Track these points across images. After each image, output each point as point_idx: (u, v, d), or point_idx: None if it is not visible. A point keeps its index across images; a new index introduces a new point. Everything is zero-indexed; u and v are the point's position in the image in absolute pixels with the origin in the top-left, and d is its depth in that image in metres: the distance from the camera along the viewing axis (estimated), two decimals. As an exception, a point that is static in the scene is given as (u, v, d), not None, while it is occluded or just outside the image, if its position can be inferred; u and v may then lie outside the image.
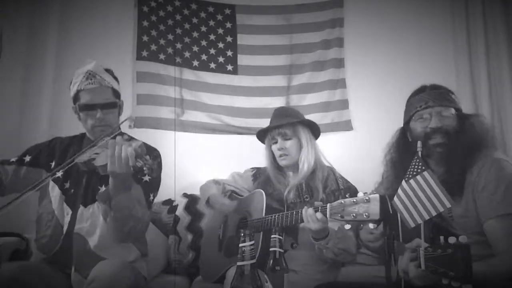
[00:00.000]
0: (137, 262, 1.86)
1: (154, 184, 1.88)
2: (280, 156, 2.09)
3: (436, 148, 1.62)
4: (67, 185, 1.88)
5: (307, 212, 1.68)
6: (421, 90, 1.72)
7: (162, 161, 2.00)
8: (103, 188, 1.80)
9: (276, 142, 2.11)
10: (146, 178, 1.84)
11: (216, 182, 2.22)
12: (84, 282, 1.63)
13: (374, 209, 1.45)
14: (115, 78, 1.95)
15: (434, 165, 1.65)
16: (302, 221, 1.71)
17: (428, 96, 1.67)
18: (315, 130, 2.16)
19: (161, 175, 1.96)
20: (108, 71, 1.93)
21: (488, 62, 3.10)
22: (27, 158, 1.94)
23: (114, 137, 1.68)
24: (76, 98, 1.87)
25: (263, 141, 2.22)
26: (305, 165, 2.05)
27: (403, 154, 1.68)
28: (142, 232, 1.88)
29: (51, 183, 1.87)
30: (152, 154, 1.70)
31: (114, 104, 1.89)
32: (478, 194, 1.53)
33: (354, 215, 1.49)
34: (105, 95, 1.87)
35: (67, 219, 1.83)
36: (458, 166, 1.58)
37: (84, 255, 1.76)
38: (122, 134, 1.86)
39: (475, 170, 1.56)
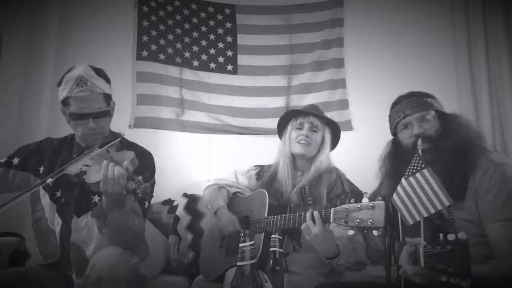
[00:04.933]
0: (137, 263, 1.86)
1: (148, 193, 1.87)
2: (300, 141, 2.02)
3: (423, 154, 1.62)
4: (58, 194, 1.85)
5: (306, 221, 1.66)
6: (397, 101, 1.75)
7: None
8: (96, 198, 1.78)
9: (301, 128, 2.06)
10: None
11: (220, 187, 2.19)
12: (87, 285, 1.63)
13: (379, 216, 1.43)
14: (106, 79, 1.85)
15: None
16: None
17: (404, 106, 1.69)
18: (336, 139, 2.15)
19: (158, 178, 1.95)
20: (98, 71, 1.81)
21: (488, 62, 3.10)
22: (15, 161, 1.90)
23: (105, 149, 1.68)
24: (65, 103, 1.79)
25: (284, 127, 2.14)
26: (314, 167, 2.03)
27: (397, 164, 1.68)
28: (139, 240, 1.88)
29: (42, 191, 1.85)
30: (144, 174, 1.67)
31: (106, 113, 1.81)
32: (481, 198, 1.53)
33: (358, 221, 1.47)
34: (97, 104, 1.77)
35: (57, 229, 1.82)
36: (450, 169, 1.57)
37: (83, 263, 1.75)
38: (113, 145, 1.81)
39: (477, 175, 1.56)
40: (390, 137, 1.83)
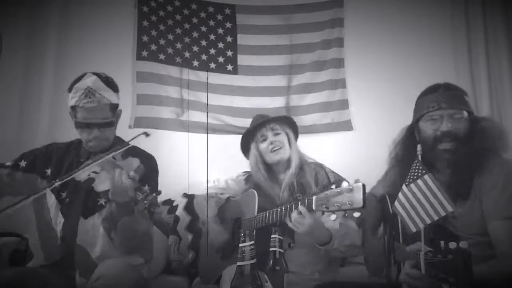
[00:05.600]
0: (140, 265, 1.87)
1: (154, 203, 1.88)
2: (273, 150, 2.06)
3: (444, 153, 1.60)
4: (64, 195, 1.88)
5: (293, 216, 1.68)
6: (434, 89, 1.66)
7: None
8: (102, 200, 1.81)
9: (265, 140, 2.09)
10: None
11: (209, 196, 2.20)
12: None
13: (357, 197, 1.45)
14: (115, 88, 1.89)
15: (441, 167, 1.64)
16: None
17: (441, 98, 1.62)
18: (296, 130, 2.17)
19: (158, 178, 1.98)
20: (107, 81, 1.85)
21: (488, 62, 3.10)
22: (23, 163, 1.92)
23: (112, 156, 1.72)
24: (73, 109, 1.83)
25: (247, 148, 2.18)
26: (294, 161, 2.06)
27: (409, 152, 1.64)
28: (146, 241, 1.89)
29: (48, 192, 1.85)
30: (150, 182, 1.73)
31: (111, 123, 1.87)
32: (485, 194, 1.52)
33: (338, 204, 1.49)
34: (103, 114, 1.82)
35: (59, 227, 1.84)
36: (466, 172, 1.56)
37: (87, 264, 1.77)
38: (118, 152, 1.81)
39: (483, 172, 1.55)
40: (390, 136, 1.82)
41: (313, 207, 1.61)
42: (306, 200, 1.66)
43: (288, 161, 2.08)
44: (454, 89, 1.67)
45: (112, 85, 1.88)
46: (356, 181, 1.49)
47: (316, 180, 2.02)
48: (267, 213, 1.84)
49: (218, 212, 2.13)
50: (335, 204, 1.50)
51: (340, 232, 1.78)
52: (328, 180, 2.02)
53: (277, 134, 2.09)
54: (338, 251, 1.79)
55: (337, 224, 1.79)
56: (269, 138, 2.08)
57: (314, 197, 1.61)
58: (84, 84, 1.81)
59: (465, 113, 1.63)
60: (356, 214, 1.48)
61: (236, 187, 2.25)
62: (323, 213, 1.74)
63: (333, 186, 1.55)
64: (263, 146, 2.09)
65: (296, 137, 2.18)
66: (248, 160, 2.19)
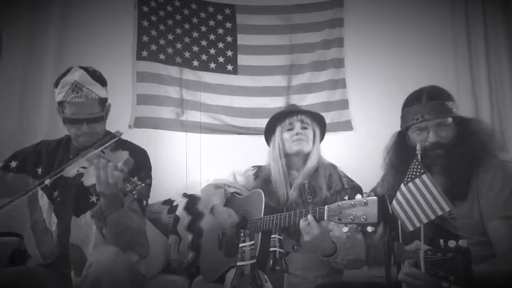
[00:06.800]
0: (135, 262, 1.86)
1: (144, 194, 1.87)
2: (296, 140, 2.02)
3: (437, 159, 1.60)
4: (55, 194, 1.86)
5: (301, 225, 1.66)
6: (417, 97, 1.67)
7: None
8: (93, 197, 1.79)
9: (291, 129, 2.05)
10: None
11: (217, 186, 2.19)
12: (85, 285, 1.63)
13: (372, 212, 1.41)
14: (102, 82, 1.83)
15: (437, 173, 1.64)
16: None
17: (423, 109, 1.62)
18: (324, 130, 2.16)
19: (154, 178, 1.95)
20: (94, 75, 1.81)
21: (488, 63, 3.10)
22: (13, 164, 1.91)
23: (101, 151, 1.69)
24: (60, 105, 1.80)
25: (272, 131, 2.13)
26: (310, 162, 2.04)
27: (403, 156, 1.65)
28: (141, 239, 1.88)
29: (40, 192, 1.85)
30: (140, 174, 1.67)
31: (100, 118, 1.82)
32: (483, 195, 1.53)
33: (352, 217, 1.45)
34: (91, 109, 1.77)
35: (54, 228, 1.82)
36: (461, 174, 1.57)
37: (82, 263, 1.74)
38: (108, 147, 1.78)
39: (480, 173, 1.56)
40: (390, 137, 1.82)
41: (325, 217, 1.57)
42: (317, 210, 1.62)
43: (306, 157, 2.05)
44: (436, 96, 1.66)
45: (99, 79, 1.83)
46: (370, 194, 1.46)
47: (328, 184, 1.99)
48: (275, 217, 1.82)
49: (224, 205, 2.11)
50: (349, 217, 1.46)
51: (346, 245, 1.74)
52: (341, 185, 1.98)
53: (305, 128, 2.05)
54: (340, 264, 1.76)
55: (344, 236, 1.73)
56: (295, 129, 2.04)
57: (326, 207, 1.57)
58: (71, 79, 1.76)
59: (450, 120, 1.62)
60: (370, 229, 1.44)
61: (243, 182, 2.23)
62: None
63: (346, 197, 1.52)
64: (287, 135, 2.06)
65: (322, 138, 2.14)
66: (269, 146, 2.14)
